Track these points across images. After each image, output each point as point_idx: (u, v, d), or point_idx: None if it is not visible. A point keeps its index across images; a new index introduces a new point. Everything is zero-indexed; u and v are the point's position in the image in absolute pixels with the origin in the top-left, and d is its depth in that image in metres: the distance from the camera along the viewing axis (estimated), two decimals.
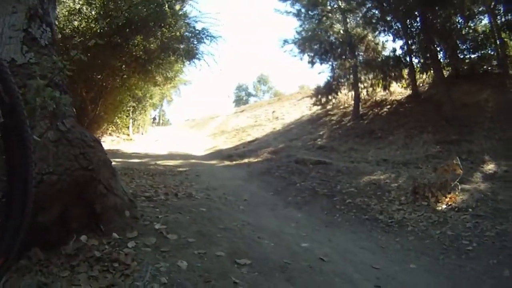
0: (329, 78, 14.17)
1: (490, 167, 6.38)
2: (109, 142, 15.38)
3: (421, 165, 7.09)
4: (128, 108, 17.75)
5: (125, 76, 12.63)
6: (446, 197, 5.01)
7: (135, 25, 10.61)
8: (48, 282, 2.10)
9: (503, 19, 10.29)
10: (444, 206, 4.86)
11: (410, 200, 5.28)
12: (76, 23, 10.55)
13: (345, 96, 14.93)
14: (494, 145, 7.12)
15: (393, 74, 12.40)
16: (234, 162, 10.65)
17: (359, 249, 3.96)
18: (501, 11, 10.26)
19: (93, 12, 10.79)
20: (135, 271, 2.38)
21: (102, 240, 2.65)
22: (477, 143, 7.49)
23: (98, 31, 10.52)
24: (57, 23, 5.32)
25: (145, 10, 10.66)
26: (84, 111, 11.51)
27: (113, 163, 3.31)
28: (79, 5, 10.61)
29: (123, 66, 11.92)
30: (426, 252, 3.91)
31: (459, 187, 5.16)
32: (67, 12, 10.34)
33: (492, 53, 10.92)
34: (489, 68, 10.77)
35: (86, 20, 10.72)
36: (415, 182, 5.71)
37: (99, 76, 11.59)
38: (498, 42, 10.35)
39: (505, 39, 10.26)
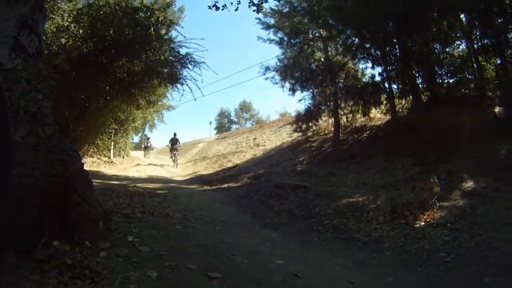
0: (309, 105, 14.27)
1: (468, 184, 6.48)
2: (89, 163, 15.19)
3: (400, 187, 7.15)
4: (110, 130, 17.64)
5: (108, 97, 12.63)
6: (424, 215, 5.07)
7: (120, 46, 10.73)
8: (18, 282, 2.10)
9: (479, 44, 10.54)
10: (422, 223, 4.92)
11: (388, 219, 5.33)
12: (63, 40, 10.67)
13: (325, 122, 15.05)
14: (472, 164, 7.22)
15: (372, 100, 12.56)
16: (214, 187, 10.63)
17: (335, 266, 3.98)
18: (478, 36, 10.54)
19: (80, 31, 10.87)
20: (105, 279, 2.40)
21: (74, 248, 2.66)
22: (456, 163, 7.59)
23: (85, 50, 10.60)
24: (44, 38, 5.39)
25: (131, 32, 10.79)
26: (66, 130, 11.43)
27: (94, 188, 3.34)
28: (67, 23, 10.72)
29: (107, 87, 11.96)
30: (404, 266, 3.96)
31: (438, 205, 5.25)
32: (55, 29, 10.45)
33: (469, 76, 11.14)
34: (467, 91, 10.96)
35: (73, 38, 10.83)
36: (393, 202, 5.78)
37: (82, 96, 11.59)
38: (475, 66, 10.58)
39: (482, 63, 10.48)
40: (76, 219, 2.81)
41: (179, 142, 22.50)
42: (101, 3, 11.10)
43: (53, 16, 10.32)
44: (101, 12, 10.82)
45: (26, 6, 2.92)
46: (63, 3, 11.05)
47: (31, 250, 2.42)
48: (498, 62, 9.97)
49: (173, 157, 21.26)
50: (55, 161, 2.64)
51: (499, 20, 9.69)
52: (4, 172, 1.61)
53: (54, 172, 2.61)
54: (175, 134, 22.19)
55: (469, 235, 4.26)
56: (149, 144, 29.38)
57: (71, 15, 10.91)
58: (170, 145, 22.20)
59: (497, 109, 9.73)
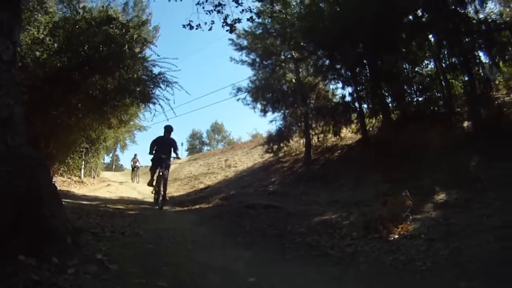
0: (280, 126, 14.37)
1: (440, 197, 6.58)
2: (60, 182, 14.87)
3: (372, 203, 7.19)
4: (81, 149, 17.38)
5: (80, 115, 12.39)
6: (398, 228, 5.10)
7: (94, 63, 10.62)
8: None
9: (447, 62, 10.84)
10: (396, 236, 4.94)
11: (362, 234, 5.33)
12: (38, 53, 10.46)
13: (297, 143, 15.17)
14: (443, 178, 7.34)
15: (342, 120, 12.75)
16: (185, 208, 10.52)
17: (309, 281, 3.95)
18: (446, 55, 10.84)
19: (55, 45, 10.74)
20: None
21: (41, 264, 2.57)
22: (427, 177, 7.70)
23: (59, 64, 10.47)
24: (19, 50, 5.31)
25: (105, 48, 10.71)
26: (36, 147, 11.19)
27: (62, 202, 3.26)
28: (43, 35, 10.57)
29: (79, 104, 11.76)
30: (380, 277, 3.95)
31: (411, 217, 5.30)
32: (30, 41, 10.27)
33: (438, 94, 11.44)
34: (436, 108, 11.25)
35: (48, 52, 10.65)
36: (366, 217, 5.84)
37: (54, 112, 11.35)
38: (443, 84, 10.91)
39: (450, 80, 10.80)
40: (44, 234, 2.73)
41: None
42: (77, 17, 11.00)
43: (29, 28, 10.19)
44: (77, 27, 10.72)
45: (3, 13, 2.89)
46: (39, 15, 10.94)
47: None
48: (466, 79, 10.26)
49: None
50: (24, 172, 2.57)
51: (467, 39, 10.03)
52: None
53: (22, 183, 2.54)
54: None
55: (444, 244, 4.31)
56: (137, 164, 24.74)
57: (47, 27, 10.77)
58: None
59: (465, 124, 10.03)
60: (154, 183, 10.28)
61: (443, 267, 3.84)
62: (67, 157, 16.03)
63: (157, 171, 10.01)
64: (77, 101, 11.65)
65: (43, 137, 11.80)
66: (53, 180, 3.00)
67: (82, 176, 19.24)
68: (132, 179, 23.60)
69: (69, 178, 17.50)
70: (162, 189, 9.88)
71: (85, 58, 10.66)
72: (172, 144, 10.69)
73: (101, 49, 10.84)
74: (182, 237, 5.84)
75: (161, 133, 10.56)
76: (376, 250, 4.68)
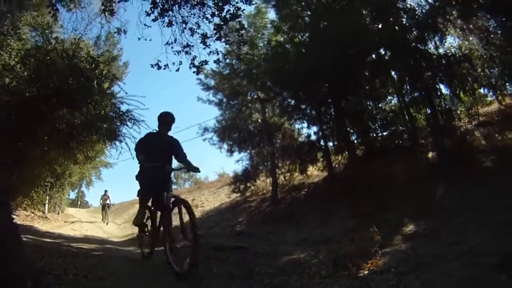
0: (247, 165, 14.50)
1: (409, 228, 6.67)
2: (23, 217, 14.42)
3: (340, 240, 7.20)
4: (46, 183, 16.97)
5: (46, 148, 12.15)
6: (367, 263, 5.06)
7: (63, 95, 10.50)
8: None
9: (410, 96, 11.22)
10: (366, 272, 4.88)
11: (331, 272, 5.26)
12: (7, 80, 10.44)
13: (264, 182, 15.24)
14: (411, 209, 7.46)
15: (308, 158, 12.94)
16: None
17: None
18: (408, 90, 11.18)
19: (25, 73, 10.67)
20: None
21: None
22: (394, 210, 7.80)
23: (27, 94, 10.30)
24: None
25: (75, 82, 10.64)
26: None
27: (24, 239, 3.15)
28: (14, 62, 10.52)
29: (45, 137, 11.52)
30: None
31: (380, 252, 5.28)
32: (0, 66, 10.27)
33: (402, 128, 11.76)
34: (400, 141, 11.53)
35: (17, 80, 10.61)
36: (334, 255, 5.81)
37: (19, 143, 11.08)
38: (407, 118, 11.31)
39: (413, 114, 11.21)
40: (2, 276, 2.61)
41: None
42: (49, 47, 10.92)
43: (1, 52, 10.11)
44: (48, 57, 10.65)
45: None
46: (12, 41, 10.84)
47: None
48: (429, 111, 10.71)
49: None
50: None
51: (428, 74, 10.53)
52: None
53: None
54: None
55: (414, 276, 4.30)
56: (108, 201, 22.49)
57: (19, 54, 10.75)
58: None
59: (430, 155, 10.35)
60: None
61: None
62: (31, 190, 15.60)
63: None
64: (43, 133, 11.40)
65: (6, 168, 11.47)
66: (14, 218, 2.88)
67: (46, 211, 18.72)
68: (102, 218, 22.13)
69: (32, 212, 17.02)
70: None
71: (54, 89, 10.57)
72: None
73: (70, 82, 10.80)
74: (144, 280, 5.70)
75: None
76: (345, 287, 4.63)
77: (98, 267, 6.16)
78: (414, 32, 10.77)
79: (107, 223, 21.07)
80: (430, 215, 6.88)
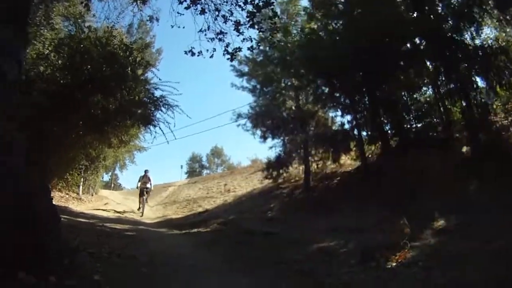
0: (280, 152, 14.36)
1: (439, 223, 6.50)
2: (58, 198, 14.79)
3: (370, 231, 7.11)
4: (80, 167, 17.26)
5: (81, 132, 12.40)
6: (395, 256, 5.01)
7: (97, 82, 10.62)
8: None
9: (445, 88, 10.89)
10: (394, 264, 4.85)
11: (359, 262, 5.24)
12: (42, 68, 10.58)
13: (296, 169, 15.14)
14: (442, 203, 7.25)
15: (342, 147, 12.73)
16: (183, 231, 10.42)
17: None
18: (443, 81, 10.90)
19: (59, 61, 10.84)
20: None
21: (39, 282, 2.54)
22: (425, 204, 7.60)
23: (62, 81, 10.50)
24: (24, 64, 5.37)
25: (108, 69, 10.76)
26: (35, 162, 11.15)
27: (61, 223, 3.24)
28: (47, 51, 10.70)
29: (80, 122, 11.74)
30: None
31: (409, 245, 5.21)
32: (35, 55, 10.40)
33: (436, 120, 11.42)
34: (435, 134, 11.21)
35: (51, 68, 10.75)
36: (363, 245, 5.75)
37: (54, 129, 11.35)
38: (441, 110, 10.90)
39: (448, 106, 10.80)
40: (42, 254, 2.70)
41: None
42: (82, 36, 11.11)
43: (35, 42, 10.34)
44: (81, 46, 10.81)
45: (7, 30, 2.90)
46: (45, 31, 11.08)
47: None
48: (464, 104, 10.29)
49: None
50: (23, 193, 2.57)
51: (464, 65, 10.10)
52: None
53: (21, 204, 2.53)
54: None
55: (441, 272, 4.24)
56: (149, 185, 17.48)
57: (52, 43, 10.91)
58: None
59: (464, 149, 9.97)
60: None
61: None
62: (66, 173, 15.93)
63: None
64: (78, 119, 11.60)
65: (42, 152, 11.78)
66: (52, 200, 2.97)
67: (81, 192, 19.12)
68: (139, 206, 17.46)
69: (67, 194, 17.41)
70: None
71: (87, 76, 10.70)
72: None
73: (104, 69, 10.90)
74: (178, 261, 5.79)
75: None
76: (373, 279, 4.59)
77: (131, 246, 6.32)
78: (450, 22, 10.40)
79: (142, 214, 16.19)
80: (461, 211, 6.67)
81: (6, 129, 2.43)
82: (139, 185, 17.48)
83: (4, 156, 2.50)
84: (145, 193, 17.09)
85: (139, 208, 17.21)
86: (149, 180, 17.53)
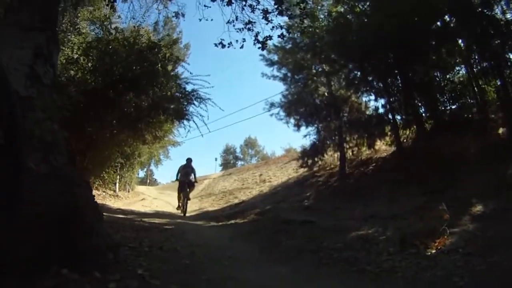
0: (314, 140, 14.26)
1: (478, 208, 6.31)
2: (95, 195, 15.16)
3: (408, 217, 6.98)
4: (116, 164, 17.68)
5: (115, 131, 12.71)
6: (435, 242, 4.94)
7: (128, 81, 10.85)
8: None
9: (479, 67, 10.59)
10: (433, 251, 4.78)
11: (399, 249, 5.18)
12: (72, 72, 10.90)
13: (331, 157, 15.00)
14: (480, 188, 7.04)
15: (376, 132, 12.54)
16: (220, 223, 10.52)
17: None
18: (477, 60, 10.60)
19: (89, 64, 11.14)
20: None
21: (83, 278, 2.59)
22: (463, 188, 7.43)
23: (93, 83, 10.74)
24: None
25: (138, 68, 10.94)
26: (72, 162, 11.47)
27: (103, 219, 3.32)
28: (76, 55, 11.04)
29: (114, 121, 12.02)
30: None
31: (448, 231, 5.10)
32: (64, 60, 10.67)
33: (471, 101, 11.11)
34: (470, 115, 10.90)
35: (82, 71, 11.08)
36: (402, 232, 5.68)
37: (89, 128, 11.64)
38: (476, 90, 10.59)
39: (482, 86, 10.47)
40: (85, 249, 2.77)
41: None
42: (110, 38, 11.33)
43: (63, 48, 10.56)
44: (110, 47, 11.05)
45: (41, 36, 2.98)
46: (73, 36, 11.36)
47: (37, 277, 2.37)
48: (498, 83, 9.99)
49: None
50: (66, 190, 2.63)
51: (496, 42, 9.75)
52: (15, 197, 1.60)
53: (64, 202, 2.59)
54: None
55: (481, 258, 4.14)
56: (192, 178, 14.72)
57: (81, 48, 11.26)
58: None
59: (500, 131, 9.67)
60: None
61: (481, 282, 3.72)
62: (102, 171, 16.36)
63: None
64: (112, 118, 11.89)
65: (79, 152, 12.09)
66: (94, 197, 3.05)
67: (117, 190, 19.57)
68: (179, 204, 14.35)
69: (104, 191, 17.86)
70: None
71: (118, 76, 10.93)
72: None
73: (134, 68, 11.12)
74: (218, 252, 5.84)
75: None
76: (413, 266, 4.53)
77: (171, 239, 6.42)
78: None
79: (184, 213, 13.56)
80: (500, 195, 6.43)
81: (47, 129, 2.50)
82: (179, 177, 14.34)
83: (47, 155, 2.58)
84: (186, 187, 14.08)
85: (179, 206, 14.17)
86: (192, 171, 14.64)
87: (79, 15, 12.76)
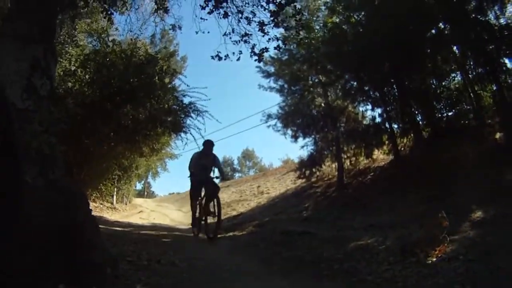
0: (312, 151, 14.34)
1: (477, 214, 6.32)
2: (92, 208, 15.05)
3: (408, 225, 6.97)
4: (114, 177, 17.66)
5: (112, 143, 12.70)
6: (435, 250, 4.89)
7: (125, 94, 10.91)
8: None
9: (474, 73, 10.66)
10: (434, 259, 4.74)
11: (399, 259, 5.15)
12: (70, 84, 10.99)
13: (329, 167, 15.03)
14: (479, 194, 7.07)
15: (374, 141, 12.60)
16: (218, 236, 10.47)
17: None
18: (472, 66, 10.67)
19: (87, 76, 11.20)
20: None
21: None
22: (462, 195, 7.45)
23: (90, 95, 10.77)
24: None
25: (136, 80, 10.98)
26: (69, 174, 11.45)
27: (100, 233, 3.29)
28: (74, 67, 11.08)
29: (111, 133, 12.03)
30: None
31: (448, 239, 5.06)
32: (62, 72, 10.75)
33: (467, 107, 11.18)
34: (466, 121, 10.97)
35: (79, 83, 11.15)
36: (402, 241, 5.66)
37: (86, 141, 11.64)
38: (472, 96, 10.68)
39: (478, 91, 10.55)
40: (83, 264, 2.74)
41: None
42: (107, 50, 11.38)
43: (61, 60, 10.60)
44: (107, 59, 11.11)
45: (39, 48, 2.98)
46: (70, 48, 11.40)
47: None
48: (494, 88, 10.11)
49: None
50: (64, 204, 2.61)
51: (491, 47, 9.85)
52: (14, 211, 1.57)
53: (62, 215, 2.57)
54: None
55: (483, 265, 4.13)
56: (215, 173, 9.54)
57: (78, 60, 11.33)
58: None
59: (497, 135, 9.73)
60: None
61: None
62: (100, 183, 16.37)
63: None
64: (109, 130, 11.90)
65: (76, 164, 12.06)
66: (91, 210, 3.02)
67: (115, 202, 19.52)
68: (194, 216, 9.50)
69: (101, 204, 17.81)
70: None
71: (115, 89, 10.98)
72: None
73: (131, 80, 11.16)
74: (217, 265, 5.79)
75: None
76: (414, 275, 4.49)
77: (169, 252, 6.37)
78: (472, 3, 10.15)
79: (208, 236, 8.79)
80: (498, 201, 6.48)
81: (44, 141, 2.48)
82: (192, 174, 9.00)
83: (44, 168, 2.55)
84: (207, 190, 9.04)
85: (195, 223, 9.41)
86: (214, 162, 9.29)
87: (76, 27, 12.80)
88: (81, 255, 2.72)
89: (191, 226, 10.10)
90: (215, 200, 8.65)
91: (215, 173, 9.39)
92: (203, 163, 8.98)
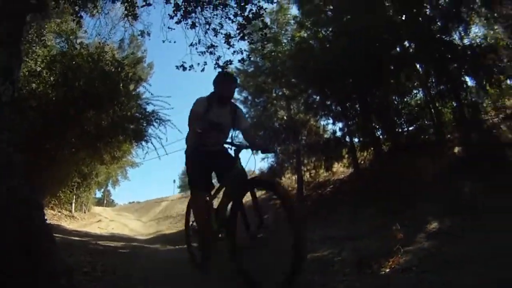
0: (272, 163, 14.52)
1: (433, 226, 6.48)
2: (50, 216, 14.71)
3: (365, 238, 7.10)
4: (73, 184, 17.29)
5: (73, 149, 12.45)
6: (389, 262, 5.01)
7: (89, 98, 10.71)
8: None
9: (436, 90, 11.12)
10: (387, 270, 4.84)
11: (354, 270, 5.25)
12: (34, 85, 10.73)
13: (289, 179, 15.18)
14: (437, 206, 7.24)
15: (334, 155, 12.84)
16: (177, 247, 10.38)
17: None
18: (434, 83, 11.09)
19: (52, 78, 10.98)
20: None
21: None
22: (420, 207, 7.61)
23: (54, 98, 10.55)
24: None
25: (101, 85, 10.85)
26: (27, 179, 11.10)
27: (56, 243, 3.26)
28: (40, 68, 10.87)
29: (73, 139, 11.81)
30: None
31: (402, 250, 5.20)
32: (27, 73, 10.53)
33: (428, 122, 11.59)
34: (427, 136, 11.29)
35: (44, 85, 10.90)
36: (358, 253, 5.76)
37: (47, 146, 11.37)
38: (433, 112, 11.12)
39: (439, 108, 11.03)
40: (38, 275, 2.71)
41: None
42: (74, 52, 11.20)
43: (27, 60, 10.39)
44: (74, 62, 10.93)
45: (4, 52, 2.94)
46: (38, 48, 11.17)
47: None
48: (455, 105, 10.59)
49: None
50: (20, 214, 2.59)
51: (454, 66, 10.33)
52: None
53: (18, 224, 2.55)
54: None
55: (436, 275, 4.20)
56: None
57: (45, 60, 11.10)
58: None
59: (456, 150, 10.09)
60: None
61: None
62: (59, 190, 15.99)
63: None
64: (71, 135, 11.70)
65: (35, 169, 11.75)
66: (46, 219, 3.00)
67: (73, 210, 19.11)
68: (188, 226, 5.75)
69: (59, 211, 17.41)
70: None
71: (80, 93, 10.80)
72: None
73: (96, 85, 11.00)
74: (173, 277, 5.76)
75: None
76: (367, 285, 4.59)
77: (126, 264, 6.29)
78: (438, 23, 10.65)
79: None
80: (456, 213, 6.68)
81: (3, 150, 2.46)
82: (193, 141, 4.46)
83: (2, 178, 2.53)
84: (220, 176, 4.63)
85: (202, 243, 4.88)
86: (237, 118, 4.66)
87: (46, 26, 12.59)
88: (35, 266, 2.70)
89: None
90: (255, 200, 4.09)
91: (241, 141, 5.22)
92: (215, 119, 4.37)
